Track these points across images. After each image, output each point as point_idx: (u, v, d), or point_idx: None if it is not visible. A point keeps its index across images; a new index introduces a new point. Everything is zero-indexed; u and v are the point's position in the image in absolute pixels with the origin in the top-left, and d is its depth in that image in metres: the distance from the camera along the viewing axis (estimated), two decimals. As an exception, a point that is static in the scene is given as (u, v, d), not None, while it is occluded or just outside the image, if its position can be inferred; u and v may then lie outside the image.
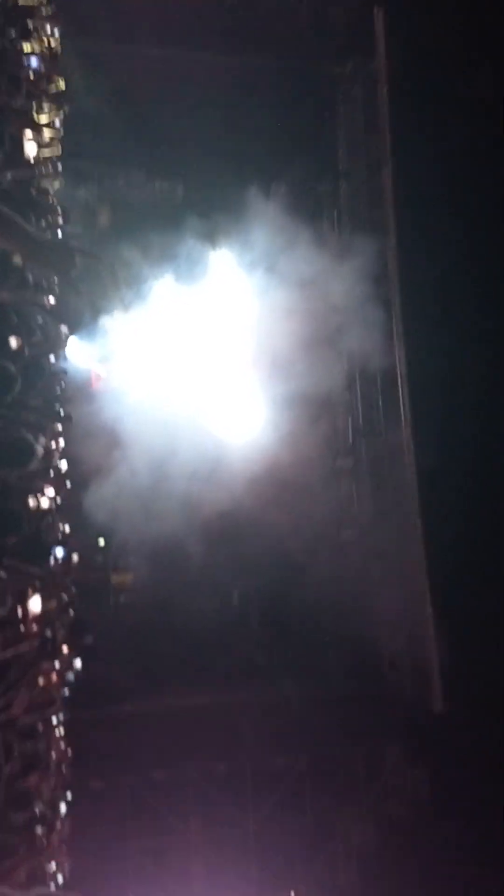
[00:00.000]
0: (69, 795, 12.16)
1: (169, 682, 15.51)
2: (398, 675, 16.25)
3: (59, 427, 11.02)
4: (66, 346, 11.44)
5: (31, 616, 7.87)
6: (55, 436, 10.91)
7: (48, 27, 9.87)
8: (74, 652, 11.13)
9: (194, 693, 15.50)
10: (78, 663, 11.06)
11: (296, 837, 15.83)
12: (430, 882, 14.87)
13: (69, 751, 12.04)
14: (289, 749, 15.79)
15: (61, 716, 11.26)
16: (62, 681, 10.63)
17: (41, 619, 8.22)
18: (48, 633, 8.36)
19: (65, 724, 11.60)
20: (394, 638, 16.23)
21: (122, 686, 14.92)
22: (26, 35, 8.59)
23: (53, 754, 11.28)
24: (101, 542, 16.53)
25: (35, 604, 8.00)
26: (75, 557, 11.40)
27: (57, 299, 12.24)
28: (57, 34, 10.46)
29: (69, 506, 12.75)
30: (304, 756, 15.91)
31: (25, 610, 7.86)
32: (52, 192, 11.39)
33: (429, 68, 15.79)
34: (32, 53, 8.78)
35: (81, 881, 11.06)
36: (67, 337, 10.33)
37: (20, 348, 6.88)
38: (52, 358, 10.60)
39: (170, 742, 14.97)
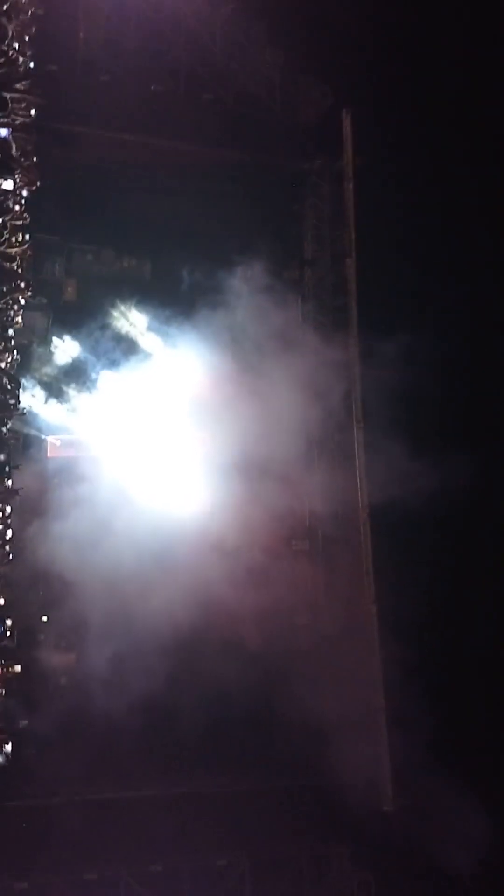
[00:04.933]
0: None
1: (104, 774, 14.58)
2: (347, 770, 15.56)
3: (7, 493, 10.73)
4: (21, 412, 11.25)
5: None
6: (2, 502, 10.60)
7: (24, 102, 10.11)
8: (5, 736, 10.51)
9: (131, 786, 14.62)
10: (8, 748, 10.41)
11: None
12: None
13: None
14: (230, 847, 14.88)
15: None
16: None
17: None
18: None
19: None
20: (344, 731, 15.63)
21: (53, 775, 13.99)
22: (1, 107, 8.73)
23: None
24: (45, 619, 15.84)
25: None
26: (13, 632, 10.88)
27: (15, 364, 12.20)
28: (33, 111, 10.74)
29: (12, 578, 12.30)
30: (246, 855, 14.98)
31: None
32: (18, 260, 11.46)
33: (394, 167, 16.54)
34: (5, 124, 8.91)
35: None
36: (19, 403, 10.11)
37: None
38: (4, 423, 10.41)
39: (102, 838, 14.01)
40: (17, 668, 10.35)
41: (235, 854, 14.92)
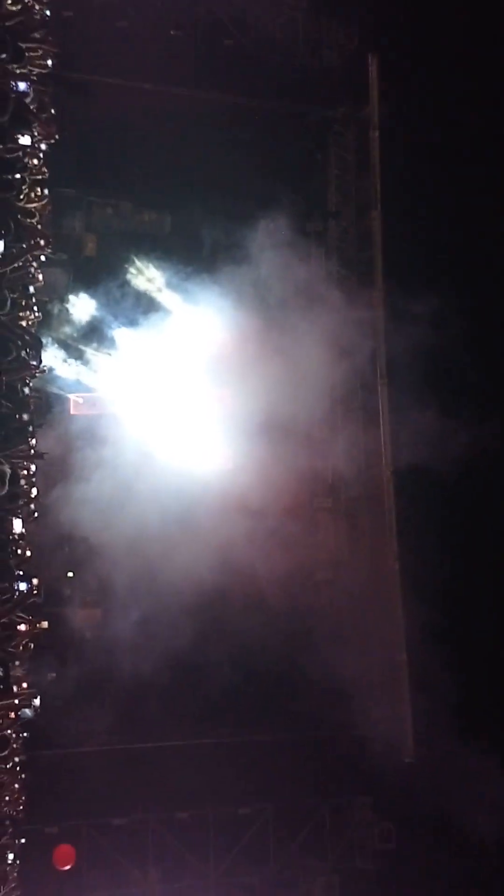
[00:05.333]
0: (22, 841, 11.66)
1: (131, 725, 14.95)
2: (370, 723, 15.79)
3: (31, 452, 10.76)
4: (42, 370, 11.15)
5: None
6: (26, 461, 10.64)
7: (41, 52, 9.76)
8: (34, 689, 10.69)
9: (157, 737, 14.95)
10: (37, 701, 10.58)
11: (259, 889, 15.25)
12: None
13: (23, 795, 11.56)
14: (254, 797, 15.26)
15: (17, 758, 10.80)
16: (18, 719, 10.17)
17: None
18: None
19: (20, 765, 11.13)
20: (366, 684, 15.81)
21: (81, 727, 14.35)
22: (18, 58, 8.41)
23: (6, 798, 10.80)
24: (70, 574, 16.05)
25: None
26: (39, 587, 10.94)
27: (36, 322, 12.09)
28: (50, 61, 10.39)
29: (37, 534, 12.41)
30: (270, 805, 15.38)
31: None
32: (38, 216, 11.22)
33: (420, 115, 16.00)
34: (22, 76, 8.62)
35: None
36: (41, 362, 10.01)
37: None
38: (26, 382, 10.36)
39: (130, 787, 14.43)
40: (45, 623, 10.50)
41: (259, 803, 15.34)
